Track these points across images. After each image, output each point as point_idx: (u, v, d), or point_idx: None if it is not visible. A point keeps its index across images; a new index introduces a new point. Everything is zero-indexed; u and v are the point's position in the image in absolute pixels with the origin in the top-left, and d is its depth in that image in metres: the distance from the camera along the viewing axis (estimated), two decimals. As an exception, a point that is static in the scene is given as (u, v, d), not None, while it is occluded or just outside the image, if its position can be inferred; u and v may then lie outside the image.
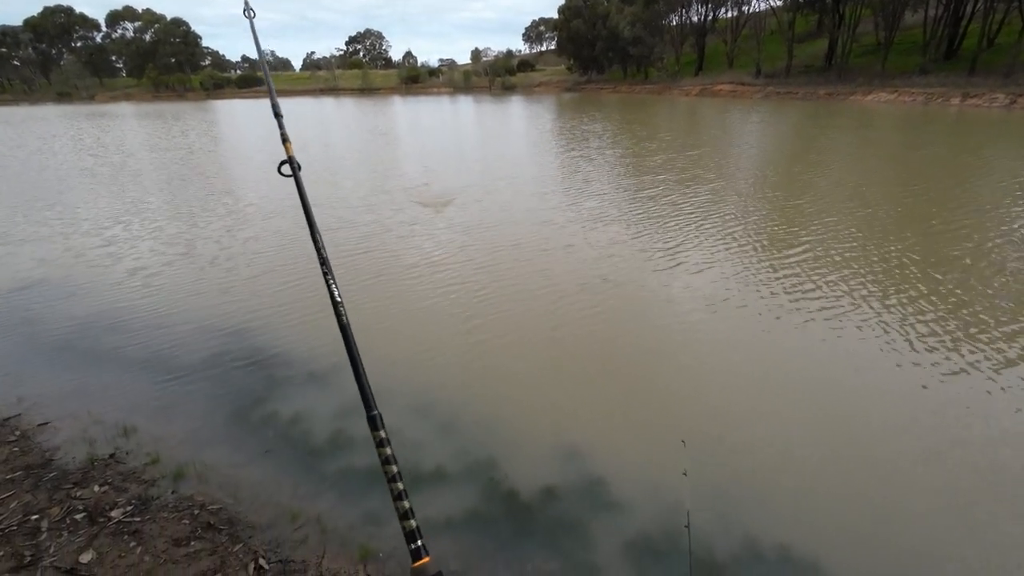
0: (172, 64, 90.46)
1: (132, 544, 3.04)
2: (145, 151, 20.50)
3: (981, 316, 5.49)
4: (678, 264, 7.16)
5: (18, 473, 3.62)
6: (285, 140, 1.27)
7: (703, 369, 4.76)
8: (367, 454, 3.83)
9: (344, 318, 0.91)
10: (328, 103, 54.71)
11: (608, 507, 3.30)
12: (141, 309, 6.30)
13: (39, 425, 4.20)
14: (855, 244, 7.72)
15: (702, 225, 8.88)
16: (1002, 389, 4.32)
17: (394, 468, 0.72)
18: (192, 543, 3.07)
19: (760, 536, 3.05)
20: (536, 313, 5.85)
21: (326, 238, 7.72)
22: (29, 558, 2.89)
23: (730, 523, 3.13)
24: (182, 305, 6.40)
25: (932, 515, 3.22)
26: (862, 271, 6.74)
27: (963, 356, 4.79)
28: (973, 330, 5.22)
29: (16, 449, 3.91)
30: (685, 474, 2.54)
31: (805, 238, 8.06)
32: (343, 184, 13.20)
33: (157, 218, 10.33)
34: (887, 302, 5.87)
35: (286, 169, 1.23)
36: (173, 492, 3.49)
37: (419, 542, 0.65)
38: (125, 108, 51.24)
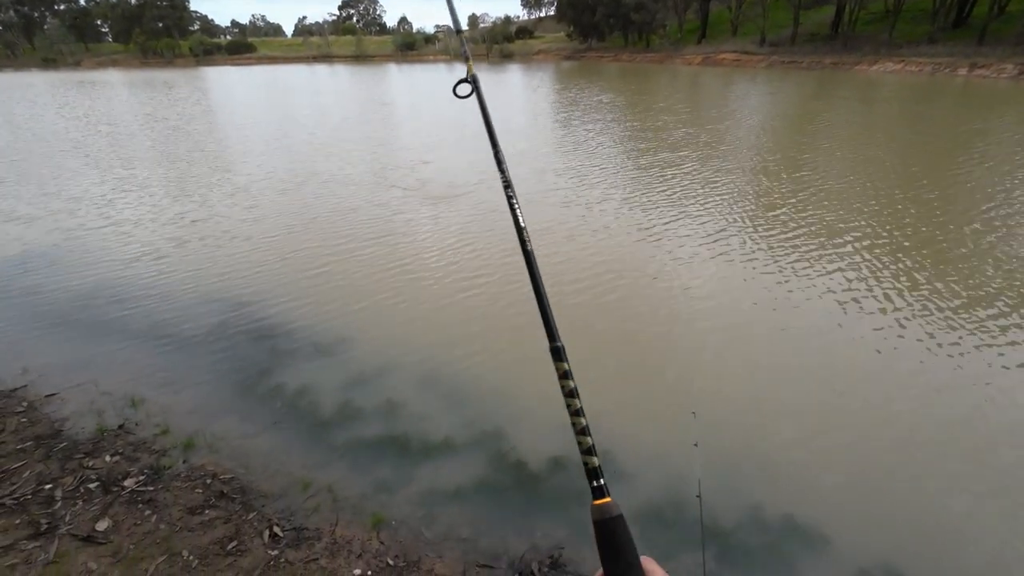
0: (159, 29, 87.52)
1: (147, 512, 3.07)
2: (139, 123, 20.03)
3: (972, 277, 5.50)
4: (689, 238, 7.11)
5: (28, 443, 3.64)
6: (468, 59, 1.17)
7: (715, 342, 4.78)
8: (376, 424, 3.86)
9: (528, 245, 0.85)
10: (322, 71, 53.32)
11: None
12: (144, 281, 6.24)
13: (46, 396, 4.20)
14: (862, 220, 7.67)
15: (724, 200, 8.78)
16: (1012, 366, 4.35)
17: (577, 402, 0.68)
18: (206, 511, 3.11)
19: (767, 505, 3.11)
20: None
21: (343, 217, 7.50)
22: (46, 526, 2.93)
23: (739, 493, 3.18)
24: (184, 277, 6.34)
25: (939, 488, 3.28)
26: (873, 246, 6.71)
27: (967, 329, 4.81)
28: (969, 292, 5.23)
29: (24, 420, 3.92)
30: (696, 445, 2.56)
31: (812, 212, 7.99)
32: (352, 163, 12.97)
33: (160, 193, 10.15)
34: (900, 279, 5.86)
35: (461, 90, 1.14)
36: (185, 462, 3.52)
37: (601, 480, 0.62)
38: (113, 76, 49.83)
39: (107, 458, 3.52)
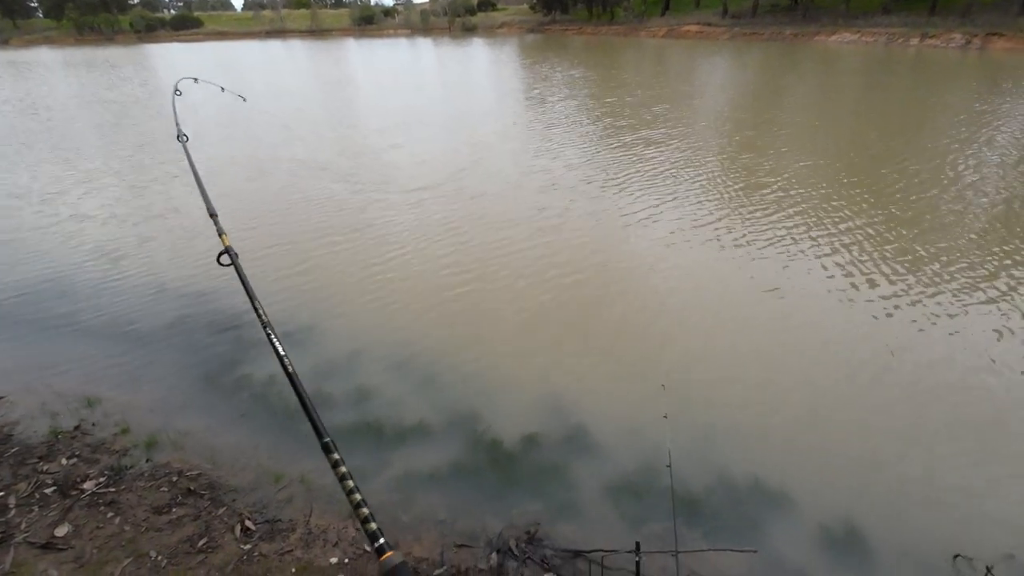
0: (95, 3, 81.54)
1: (110, 515, 2.97)
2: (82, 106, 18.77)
3: (924, 236, 5.76)
4: (654, 214, 7.16)
5: (-25, 451, 3.44)
6: (221, 234, 1.47)
7: (680, 315, 4.86)
8: (347, 412, 3.81)
9: (290, 368, 1.02)
10: (276, 48, 50.94)
11: (590, 452, 3.40)
12: (92, 274, 5.92)
13: (-7, 400, 3.97)
14: (822, 189, 7.87)
15: (702, 178, 8.85)
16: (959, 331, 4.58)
17: (351, 483, 0.81)
18: (173, 510, 3.02)
19: (735, 471, 3.22)
20: (511, 267, 5.79)
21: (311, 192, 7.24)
22: (0, 535, 2.79)
23: (708, 461, 3.28)
24: (136, 269, 6.04)
25: (898, 444, 3.45)
26: (833, 215, 6.90)
27: (922, 289, 5.04)
28: (924, 255, 5.48)
29: (-31, 426, 3.70)
30: (666, 416, 2.61)
31: (777, 182, 8.15)
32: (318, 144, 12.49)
33: (112, 183, 9.56)
34: (861, 245, 6.06)
35: (224, 260, 1.40)
36: (148, 461, 3.40)
37: (382, 540, 0.74)
38: (47, 55, 46.33)
39: (63, 461, 3.37)
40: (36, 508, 3.00)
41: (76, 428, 3.67)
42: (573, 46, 41.92)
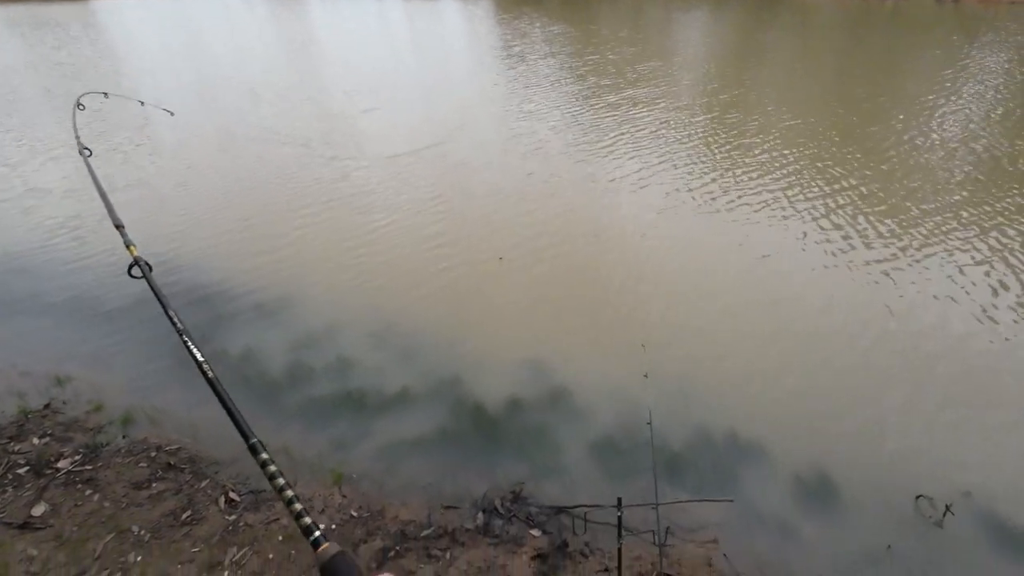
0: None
1: (88, 492, 2.92)
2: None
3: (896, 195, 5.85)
4: (629, 175, 7.09)
5: (-59, 434, 3.33)
6: (129, 245, 1.44)
7: (658, 276, 4.88)
8: (328, 383, 3.78)
9: (210, 373, 1.00)
10: (235, 3, 48.03)
11: (573, 413, 3.45)
12: (55, 248, 5.65)
13: (-45, 382, 3.82)
14: (811, 149, 7.86)
15: (673, 135, 8.73)
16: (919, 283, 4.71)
17: (280, 481, 0.79)
18: (154, 484, 2.99)
19: (713, 426, 3.31)
20: (495, 236, 5.70)
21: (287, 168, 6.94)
22: (-27, 518, 2.73)
23: (687, 417, 3.36)
24: (100, 241, 5.78)
25: (866, 396, 3.57)
26: (803, 175, 6.92)
27: (888, 249, 5.14)
28: (916, 213, 5.57)
29: (-68, 409, 3.57)
30: (646, 376, 2.64)
31: (766, 142, 8.11)
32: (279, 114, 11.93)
33: (71, 155, 9.00)
34: (825, 202, 6.11)
35: (135, 271, 1.37)
36: (124, 437, 3.34)
37: (317, 533, 0.73)
38: (-15, 13, 42.74)
39: (35, 441, 3.28)
40: (10, 489, 2.93)
41: (46, 407, 3.57)
42: (549, 1, 40.42)
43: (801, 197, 6.22)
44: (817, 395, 3.56)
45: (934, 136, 8.14)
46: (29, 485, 2.96)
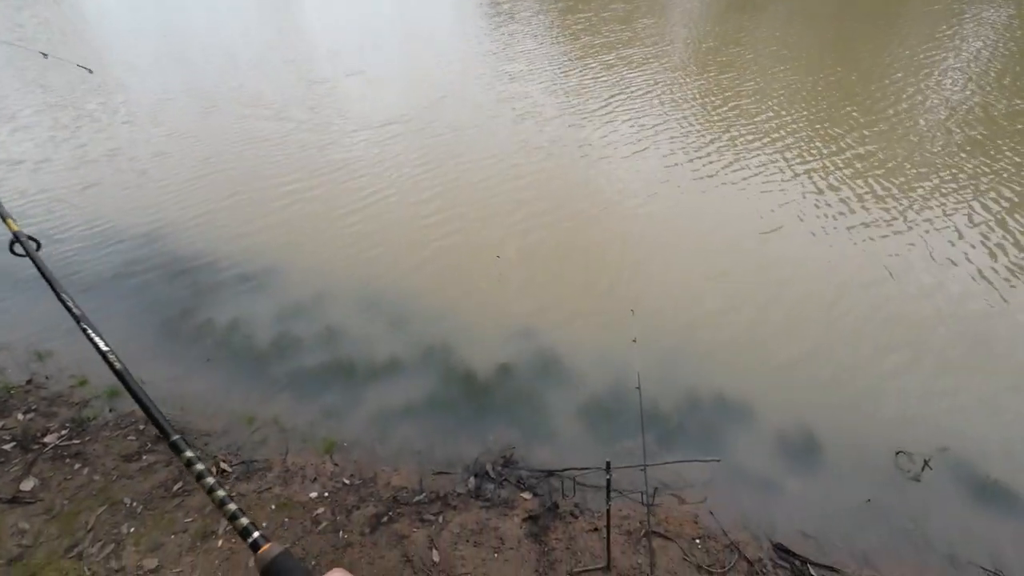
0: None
1: (77, 466, 2.91)
2: None
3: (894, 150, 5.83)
4: (623, 139, 6.95)
5: (-79, 412, 3.27)
6: (6, 219, 1.27)
7: (650, 242, 4.85)
8: (317, 352, 3.75)
9: (118, 365, 0.89)
10: (208, -40, 45.37)
11: (563, 378, 3.47)
12: (27, 217, 5.46)
13: (-68, 359, 3.74)
14: (809, 110, 7.74)
15: (669, 98, 8.53)
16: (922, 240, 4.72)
17: (210, 480, 0.72)
18: (144, 457, 2.98)
19: (700, 389, 3.35)
20: (487, 202, 5.59)
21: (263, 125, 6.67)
22: (-39, 494, 2.71)
23: (675, 380, 3.39)
24: (76, 210, 5.60)
25: (850, 357, 3.63)
26: (801, 136, 6.84)
27: (886, 212, 5.13)
28: (914, 175, 5.55)
29: (-90, 387, 3.50)
30: (635, 341, 2.65)
31: (765, 104, 7.97)
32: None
33: (44, 122, 8.60)
34: (823, 164, 6.05)
35: (18, 248, 1.20)
36: (111, 411, 3.31)
37: (256, 534, 0.67)
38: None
39: (19, 416, 3.24)
40: (-3, 465, 2.91)
41: (28, 382, 3.51)
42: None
43: (798, 160, 6.15)
44: (807, 359, 3.60)
45: (932, 96, 8.04)
46: (16, 460, 2.93)
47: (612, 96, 8.39)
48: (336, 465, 2.98)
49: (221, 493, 0.69)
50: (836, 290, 4.16)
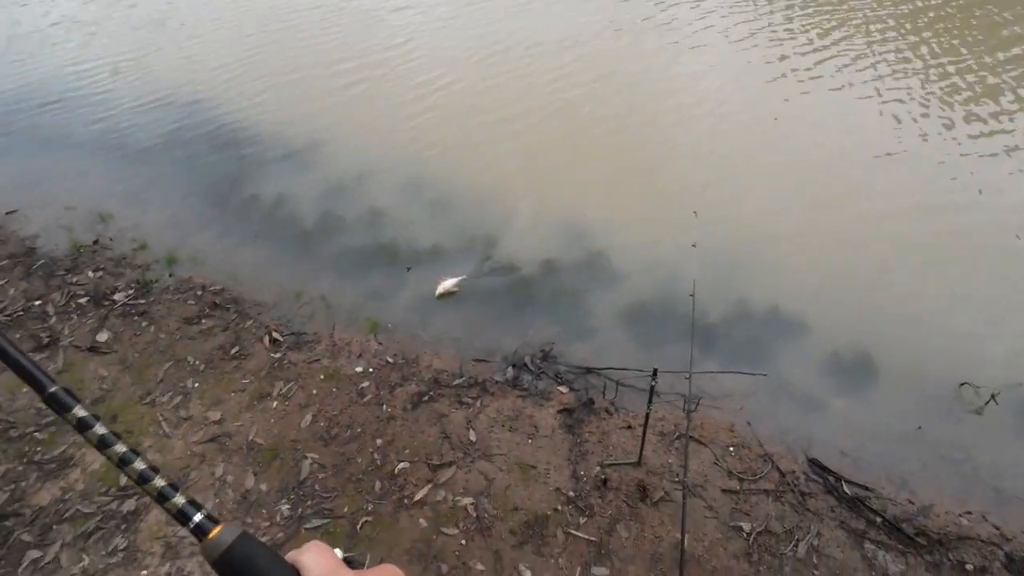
0: None
1: (144, 324, 3.11)
2: None
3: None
4: (696, 37, 6.01)
5: (4, 262, 3.52)
6: None
7: (723, 147, 4.35)
8: (361, 233, 3.73)
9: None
10: None
11: (612, 279, 3.34)
12: (81, 82, 5.41)
13: (7, 213, 3.94)
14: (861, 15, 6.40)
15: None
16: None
17: (120, 449, 0.44)
18: (203, 321, 3.15)
19: (755, 300, 3.17)
20: (537, 84, 5.09)
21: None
22: (47, 339, 2.97)
23: (731, 290, 3.21)
24: (127, 76, 5.50)
25: (919, 279, 3.30)
26: (879, 42, 5.72)
27: (984, 129, 4.38)
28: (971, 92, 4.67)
29: (-9, 239, 3.74)
30: (694, 246, 2.44)
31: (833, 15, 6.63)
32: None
33: None
34: (923, 83, 5.11)
35: None
36: (171, 275, 3.46)
37: (198, 516, 0.44)
38: None
39: (90, 273, 3.44)
40: (75, 316, 3.14)
41: (95, 243, 3.68)
42: None
43: (888, 71, 5.21)
44: (867, 277, 3.31)
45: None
46: (91, 314, 3.16)
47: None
48: (380, 344, 3.07)
49: (141, 465, 0.45)
50: (922, 208, 3.70)
